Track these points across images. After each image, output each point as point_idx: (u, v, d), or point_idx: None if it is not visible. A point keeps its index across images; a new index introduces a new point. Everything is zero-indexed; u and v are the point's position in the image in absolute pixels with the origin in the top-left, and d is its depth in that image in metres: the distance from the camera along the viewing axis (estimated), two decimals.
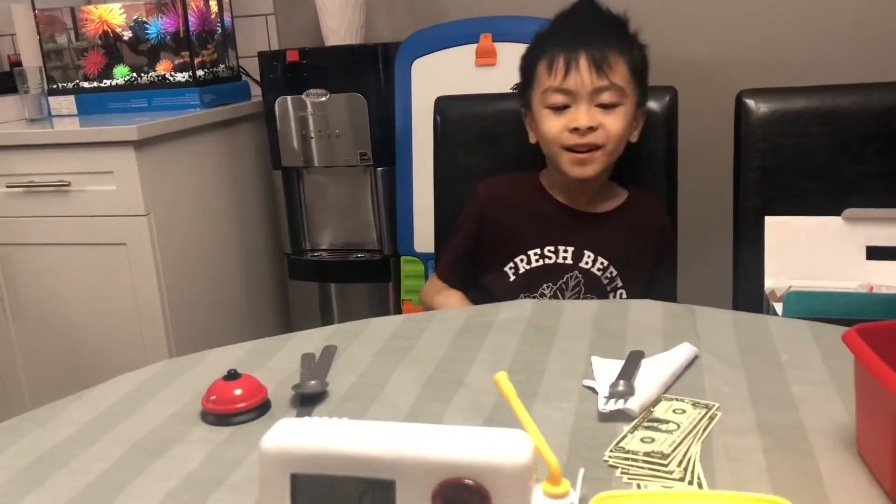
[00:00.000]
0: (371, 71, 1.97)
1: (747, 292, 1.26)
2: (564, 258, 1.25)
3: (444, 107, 1.46)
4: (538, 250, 1.25)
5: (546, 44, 1.23)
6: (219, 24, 2.20)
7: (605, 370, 0.82)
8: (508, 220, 1.28)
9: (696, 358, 0.86)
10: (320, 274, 2.15)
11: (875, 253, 1.12)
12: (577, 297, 1.24)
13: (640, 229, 1.27)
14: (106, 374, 0.90)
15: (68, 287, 1.93)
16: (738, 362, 0.84)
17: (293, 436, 0.44)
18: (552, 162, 1.26)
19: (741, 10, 2.00)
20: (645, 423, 0.72)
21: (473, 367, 0.87)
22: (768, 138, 1.28)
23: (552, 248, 1.25)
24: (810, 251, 1.14)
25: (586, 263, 1.24)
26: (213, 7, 2.18)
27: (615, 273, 1.25)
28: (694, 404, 0.75)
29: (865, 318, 0.80)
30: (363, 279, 2.13)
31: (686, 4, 2.03)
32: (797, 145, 1.27)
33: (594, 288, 1.25)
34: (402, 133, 1.97)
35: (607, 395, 0.76)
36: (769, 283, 1.13)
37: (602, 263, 1.24)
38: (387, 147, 1.99)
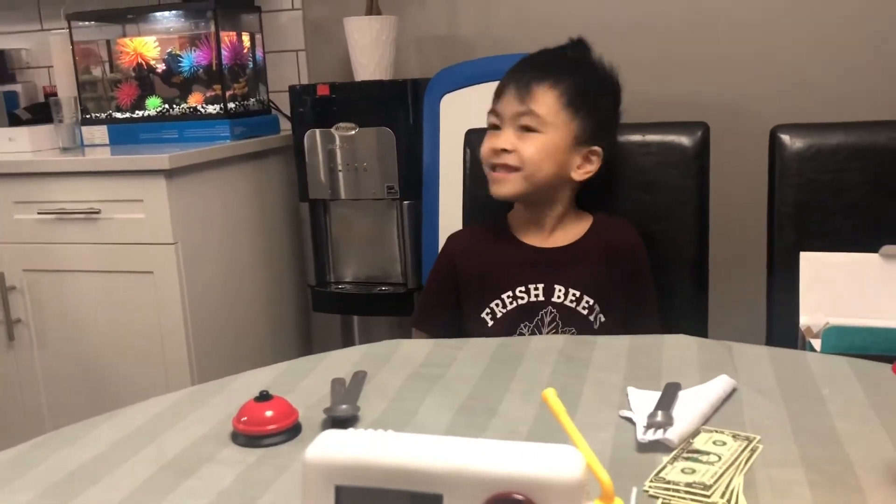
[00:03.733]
0: (400, 106, 1.99)
1: (781, 329, 1.24)
2: (536, 296, 1.26)
3: (475, 140, 1.46)
4: (510, 292, 1.27)
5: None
6: (250, 59, 2.23)
7: (642, 401, 0.81)
8: (478, 268, 1.31)
9: (734, 391, 0.84)
10: (343, 306, 2.15)
11: None
12: (556, 332, 1.25)
13: (608, 253, 1.28)
14: (128, 402, 0.89)
15: (94, 314, 1.94)
16: (777, 396, 0.83)
17: (338, 447, 0.43)
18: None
19: (772, 47, 2.01)
20: (685, 454, 0.71)
21: (507, 395, 0.86)
22: (803, 174, 1.27)
23: (522, 289, 1.26)
24: (846, 288, 1.12)
25: (558, 297, 1.25)
26: (246, 42, 2.22)
27: (592, 302, 1.25)
28: (734, 436, 0.74)
29: None
30: (386, 312, 2.12)
31: (717, 42, 2.04)
32: (833, 181, 1.26)
33: (571, 320, 1.25)
34: (430, 167, 1.98)
35: (645, 425, 0.75)
36: (804, 319, 1.11)
37: (574, 295, 1.25)
38: (414, 181, 2.00)
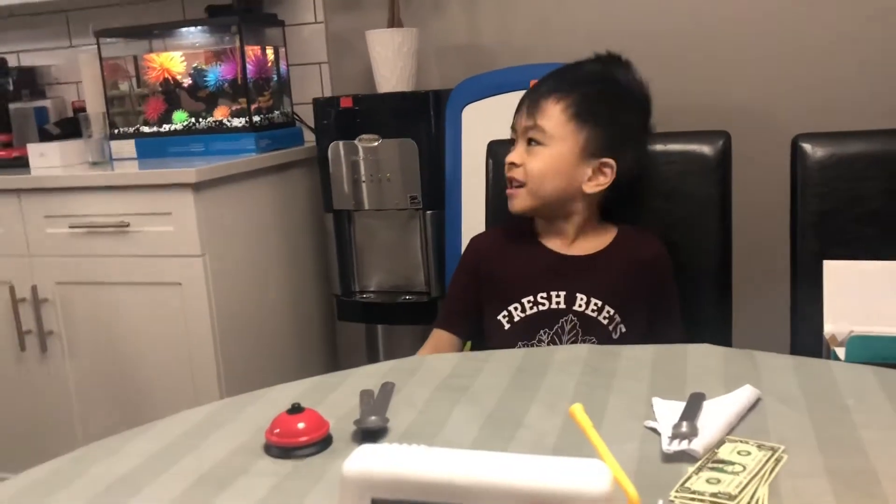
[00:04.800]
0: (422, 117, 2.01)
1: (805, 337, 1.24)
2: (558, 303, 1.26)
3: (497, 150, 1.48)
4: (531, 297, 1.27)
5: None
6: (275, 72, 2.27)
7: (667, 411, 0.82)
8: (501, 269, 1.32)
9: (758, 400, 0.85)
10: (368, 315, 2.17)
11: None
12: (575, 341, 1.26)
13: (632, 264, 1.28)
14: (157, 412, 0.92)
15: (124, 326, 1.97)
16: (801, 406, 0.83)
17: (374, 461, 0.45)
18: None
19: (793, 56, 2.01)
20: (710, 465, 0.72)
21: (533, 406, 0.87)
22: (825, 182, 1.28)
23: (544, 295, 1.27)
24: (870, 296, 1.12)
25: (580, 306, 1.26)
26: (270, 56, 2.25)
27: (613, 312, 1.25)
28: (759, 446, 0.74)
29: None
30: (410, 321, 2.14)
31: (738, 50, 2.04)
32: (855, 189, 1.26)
33: (592, 329, 1.26)
34: (452, 177, 2.00)
35: (670, 435, 0.76)
36: (829, 327, 1.11)
37: (596, 304, 1.25)
38: (436, 191, 2.02)
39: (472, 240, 1.41)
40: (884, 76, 1.95)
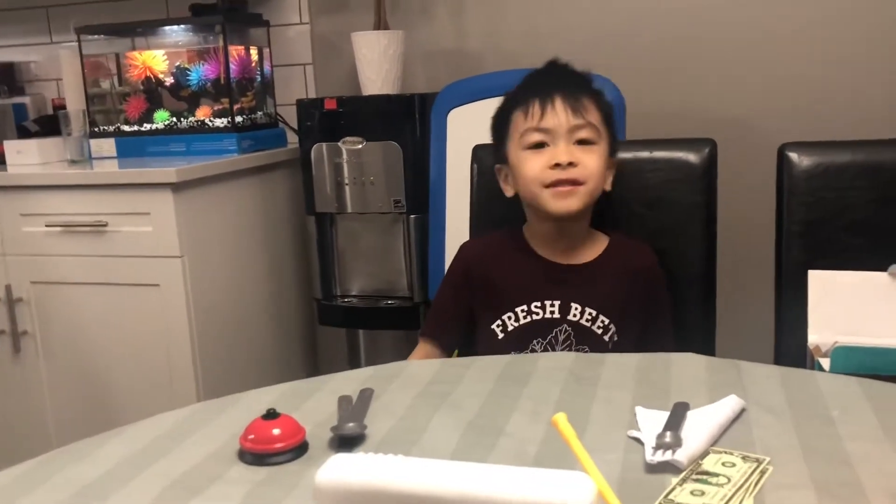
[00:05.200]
0: (407, 120, 2.00)
1: (790, 348, 1.24)
2: (552, 312, 1.25)
3: (482, 155, 1.47)
4: (525, 307, 1.25)
5: (519, 96, 1.28)
6: (258, 73, 2.24)
7: (651, 421, 0.80)
8: (493, 278, 1.29)
9: (743, 411, 0.83)
10: (349, 320, 2.15)
11: None
12: (569, 350, 1.23)
13: (625, 274, 1.27)
14: (133, 415, 0.90)
15: (100, 327, 1.94)
16: (786, 416, 0.82)
17: (348, 471, 0.43)
18: (532, 207, 1.27)
19: (780, 65, 2.01)
20: (694, 476, 0.70)
21: (514, 414, 0.85)
22: (811, 192, 1.27)
23: (538, 304, 1.25)
24: (855, 307, 1.12)
25: (574, 316, 1.24)
26: (254, 56, 2.23)
27: (607, 321, 1.24)
28: (744, 458, 0.73)
29: None
30: (392, 326, 2.12)
31: (725, 58, 2.04)
32: (841, 199, 1.26)
33: (586, 339, 1.24)
34: (436, 181, 1.98)
35: (654, 445, 0.74)
36: (813, 338, 1.11)
37: (590, 314, 1.24)
38: (420, 195, 2.00)
39: (462, 247, 1.37)
40: (870, 86, 1.96)
